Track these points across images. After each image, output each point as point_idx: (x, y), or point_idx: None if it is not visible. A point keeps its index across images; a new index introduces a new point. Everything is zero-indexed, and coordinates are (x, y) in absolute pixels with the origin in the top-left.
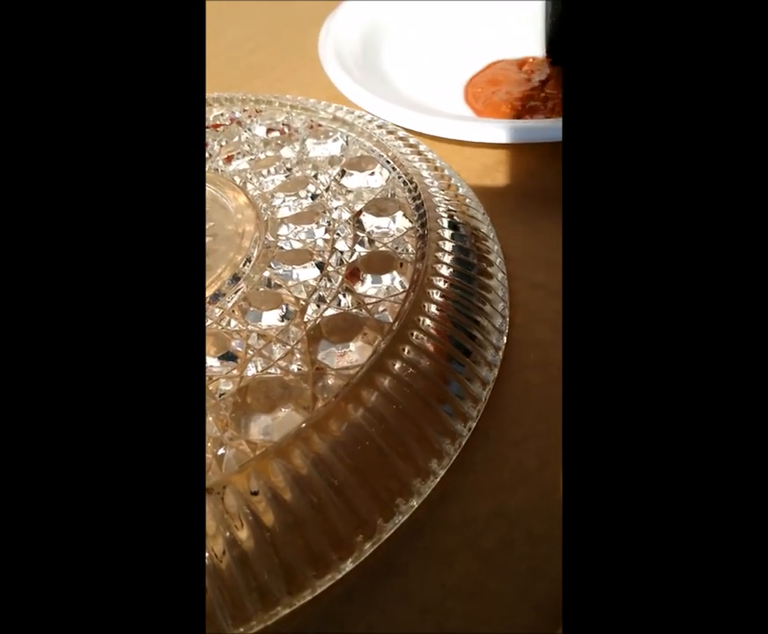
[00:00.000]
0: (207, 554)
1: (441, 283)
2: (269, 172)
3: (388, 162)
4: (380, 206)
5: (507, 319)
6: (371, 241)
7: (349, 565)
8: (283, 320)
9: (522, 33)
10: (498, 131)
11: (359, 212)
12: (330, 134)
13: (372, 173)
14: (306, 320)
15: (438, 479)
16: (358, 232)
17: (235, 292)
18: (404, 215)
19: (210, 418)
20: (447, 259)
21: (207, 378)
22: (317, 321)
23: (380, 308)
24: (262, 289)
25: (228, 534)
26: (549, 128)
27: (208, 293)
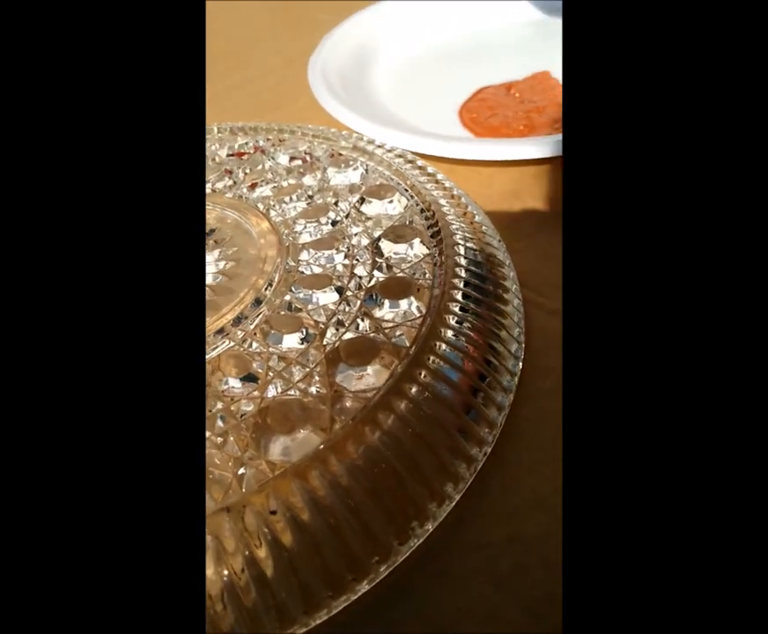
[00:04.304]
0: (226, 571)
1: (458, 309)
2: (291, 199)
3: (407, 190)
4: (398, 233)
5: (523, 344)
6: (389, 267)
7: (365, 587)
8: (302, 343)
9: (505, 59)
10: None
11: (378, 239)
12: (351, 163)
13: (391, 201)
14: (325, 343)
15: (453, 503)
16: (377, 258)
17: (257, 315)
18: (422, 242)
19: (231, 438)
20: (464, 285)
21: (229, 398)
22: (336, 345)
23: (398, 333)
24: (282, 312)
25: (247, 552)
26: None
27: (231, 316)
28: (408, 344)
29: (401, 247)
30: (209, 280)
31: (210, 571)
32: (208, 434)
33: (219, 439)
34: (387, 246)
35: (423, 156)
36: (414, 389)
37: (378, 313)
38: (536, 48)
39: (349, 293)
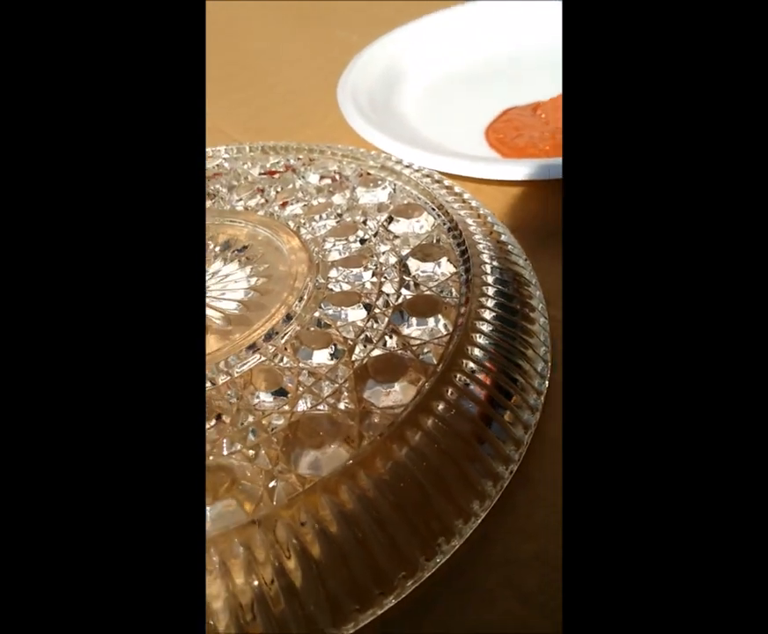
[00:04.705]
0: (256, 581)
1: (484, 327)
2: (321, 217)
3: (434, 209)
4: (425, 251)
5: (549, 363)
6: (416, 285)
7: (391, 601)
8: (332, 359)
9: (531, 80)
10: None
11: (405, 257)
12: (379, 182)
13: (419, 220)
14: (353, 359)
15: (479, 520)
16: (404, 276)
17: (288, 331)
18: (449, 260)
19: (262, 451)
20: (490, 303)
21: (260, 412)
22: (364, 361)
23: (425, 350)
24: (312, 328)
25: (277, 563)
26: None
27: (262, 331)
28: (435, 362)
29: (428, 266)
30: (241, 296)
31: (240, 581)
32: (239, 447)
33: (251, 452)
34: (414, 265)
35: (450, 175)
36: (441, 406)
37: (405, 331)
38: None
39: (377, 310)
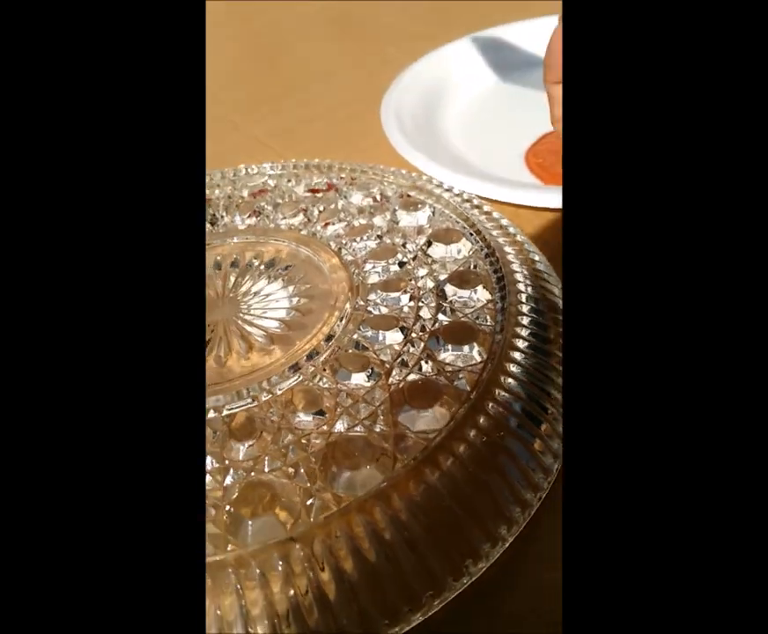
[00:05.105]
0: (292, 591)
1: (518, 356)
2: (361, 238)
3: (472, 235)
4: (462, 277)
5: None
6: (452, 311)
7: (418, 618)
8: (369, 381)
9: None
10: None
11: (443, 282)
12: (419, 205)
13: (457, 245)
14: (390, 382)
15: (506, 545)
16: (441, 302)
17: (327, 352)
18: (485, 287)
19: (301, 470)
20: (525, 333)
21: (299, 431)
22: (400, 385)
23: (459, 376)
24: (351, 350)
25: (312, 574)
26: None
27: (303, 352)
28: (468, 389)
29: (465, 292)
30: (282, 315)
31: (277, 591)
32: (279, 464)
33: (291, 470)
34: (451, 290)
35: (488, 199)
36: (473, 433)
37: (441, 356)
38: None
39: (413, 335)
